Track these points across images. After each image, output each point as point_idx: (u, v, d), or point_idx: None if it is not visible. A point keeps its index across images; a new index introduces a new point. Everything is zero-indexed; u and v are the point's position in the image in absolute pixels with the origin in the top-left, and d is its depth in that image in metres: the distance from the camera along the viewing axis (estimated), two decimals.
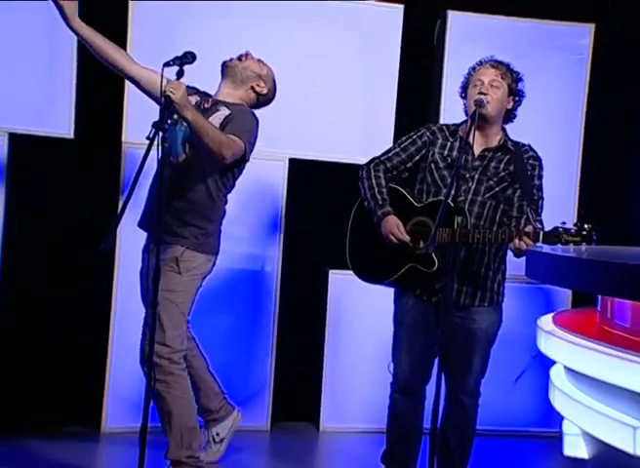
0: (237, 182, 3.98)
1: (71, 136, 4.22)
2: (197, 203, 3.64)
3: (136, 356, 3.90)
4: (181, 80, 3.38)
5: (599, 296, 3.21)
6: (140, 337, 3.76)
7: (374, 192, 3.70)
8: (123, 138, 4.34)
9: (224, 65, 3.74)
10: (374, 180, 3.75)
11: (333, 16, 4.69)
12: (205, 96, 3.79)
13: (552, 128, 4.72)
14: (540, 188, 3.74)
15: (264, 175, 4.61)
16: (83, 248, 4.33)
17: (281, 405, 4.65)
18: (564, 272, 2.65)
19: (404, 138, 3.84)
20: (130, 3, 4.42)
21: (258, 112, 3.82)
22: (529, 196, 3.67)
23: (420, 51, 4.87)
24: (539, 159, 3.73)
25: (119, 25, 4.37)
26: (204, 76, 3.82)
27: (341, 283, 4.63)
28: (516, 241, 3.39)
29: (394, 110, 4.71)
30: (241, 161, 3.68)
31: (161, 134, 3.21)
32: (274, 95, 3.83)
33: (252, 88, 3.73)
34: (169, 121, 3.39)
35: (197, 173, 3.60)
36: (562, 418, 3.03)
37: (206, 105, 3.70)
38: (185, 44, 3.54)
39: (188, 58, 3.39)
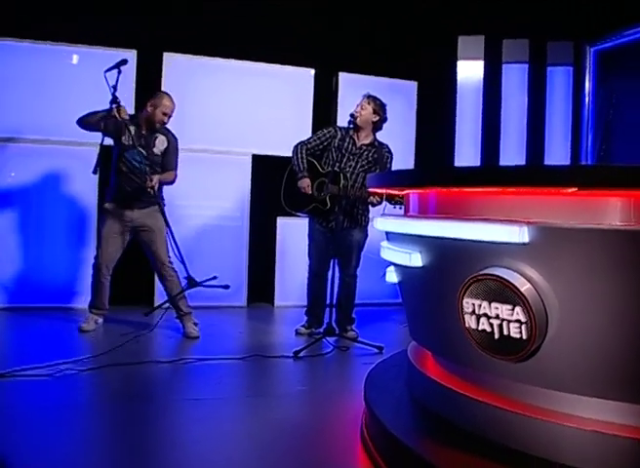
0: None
1: None
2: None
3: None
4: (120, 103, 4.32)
5: None
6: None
7: (298, 163, 4.71)
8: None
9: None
10: (299, 155, 4.74)
11: (274, 72, 6.25)
12: (137, 122, 4.57)
13: (399, 134, 5.97)
14: (389, 170, 4.68)
15: (238, 164, 6.10)
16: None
17: (253, 292, 6.21)
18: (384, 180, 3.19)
19: (319, 132, 4.84)
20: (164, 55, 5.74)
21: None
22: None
23: (323, 92, 6.43)
24: (391, 153, 4.79)
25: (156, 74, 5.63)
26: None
27: (284, 224, 6.21)
28: (371, 197, 4.55)
29: (311, 123, 6.28)
30: None
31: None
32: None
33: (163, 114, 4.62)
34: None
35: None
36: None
37: (143, 132, 4.62)
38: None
39: (123, 62, 4.20)
